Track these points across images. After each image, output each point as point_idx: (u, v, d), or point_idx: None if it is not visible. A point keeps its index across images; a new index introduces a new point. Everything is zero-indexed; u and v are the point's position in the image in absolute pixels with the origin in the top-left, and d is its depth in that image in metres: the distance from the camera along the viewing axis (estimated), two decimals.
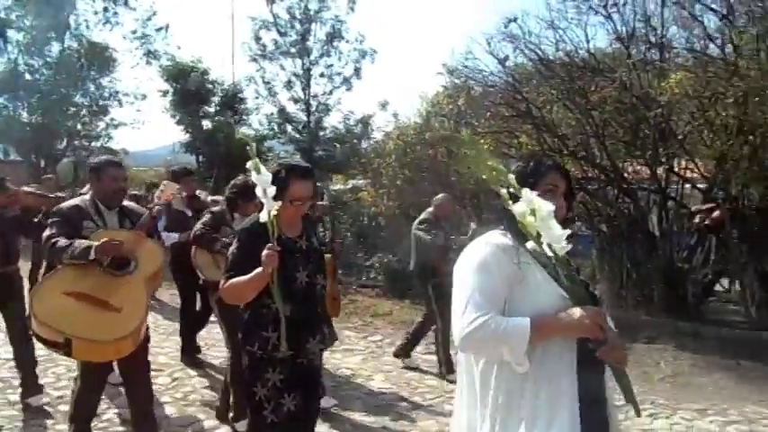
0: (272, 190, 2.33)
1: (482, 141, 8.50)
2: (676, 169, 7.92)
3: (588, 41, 8.00)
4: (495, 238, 1.84)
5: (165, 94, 16.46)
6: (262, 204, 2.39)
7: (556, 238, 1.65)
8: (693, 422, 4.53)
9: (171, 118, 16.43)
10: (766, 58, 6.57)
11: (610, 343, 1.71)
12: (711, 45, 7.42)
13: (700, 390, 5.37)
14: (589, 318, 1.68)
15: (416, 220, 5.72)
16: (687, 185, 8.07)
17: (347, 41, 16.06)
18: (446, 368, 5.42)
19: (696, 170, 7.90)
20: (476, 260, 1.80)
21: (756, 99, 6.44)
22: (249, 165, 2.34)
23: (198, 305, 5.59)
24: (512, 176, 1.70)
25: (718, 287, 8.36)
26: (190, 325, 5.60)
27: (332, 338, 2.87)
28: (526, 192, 1.66)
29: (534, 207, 1.64)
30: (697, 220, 7.05)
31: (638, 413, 1.78)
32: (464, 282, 1.79)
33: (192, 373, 5.28)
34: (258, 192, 2.35)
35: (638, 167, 8.28)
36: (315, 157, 14.97)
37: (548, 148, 8.29)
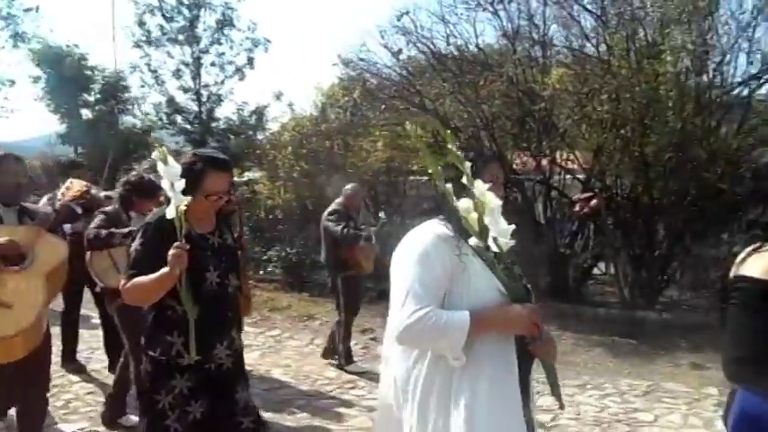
0: (180, 183, 2.15)
1: (377, 133, 8.62)
2: (559, 160, 8.41)
3: (477, 37, 8.30)
4: (436, 227, 1.80)
5: (36, 80, 15.19)
6: (161, 200, 2.24)
7: (503, 232, 1.66)
8: (574, 397, 4.86)
9: (45, 106, 15.21)
10: (635, 58, 7.12)
11: (542, 339, 1.74)
12: (588, 44, 7.93)
13: (580, 367, 5.76)
14: (527, 315, 1.70)
15: (326, 211, 5.63)
16: (568, 176, 8.60)
17: (239, 30, 15.57)
18: (345, 359, 5.46)
19: (576, 161, 8.44)
20: (417, 250, 1.75)
21: (627, 95, 6.97)
22: (155, 155, 2.16)
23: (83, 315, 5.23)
24: (468, 165, 1.68)
25: (596, 270, 9.01)
26: (73, 329, 5.24)
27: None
28: (479, 184, 1.65)
29: (484, 201, 1.64)
30: (577, 208, 7.54)
31: (561, 406, 1.83)
32: (404, 272, 1.74)
33: (74, 379, 4.96)
34: (164, 185, 2.17)
35: (525, 159, 8.71)
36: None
37: (441, 140, 8.52)
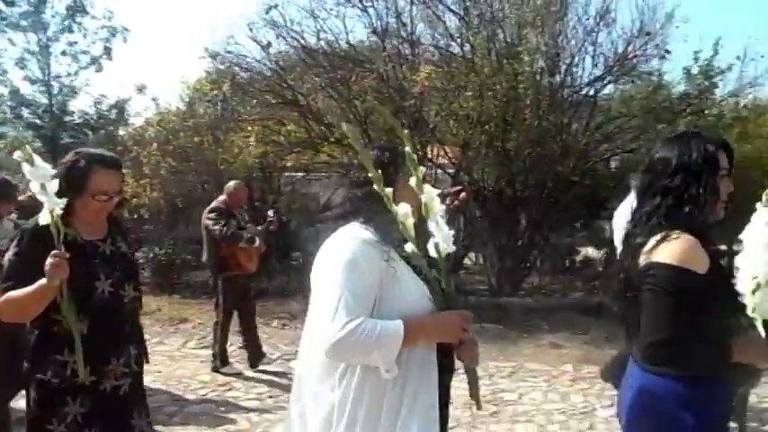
0: (53, 185, 1.94)
1: (249, 128, 8.42)
2: (430, 155, 8.71)
3: (347, 33, 8.35)
4: (359, 231, 1.70)
5: None
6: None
7: (446, 237, 1.62)
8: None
9: None
10: (496, 58, 7.54)
11: (467, 343, 1.74)
12: (453, 43, 8.27)
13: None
14: (460, 323, 1.69)
15: (207, 208, 5.38)
16: (439, 170, 8.93)
17: (93, 17, 14.45)
18: (220, 362, 5.28)
19: (446, 156, 8.78)
20: (344, 257, 1.64)
21: (490, 93, 7.36)
22: (17, 155, 1.93)
23: None
24: (422, 169, 1.62)
25: (466, 261, 9.45)
26: None
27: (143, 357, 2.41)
28: (429, 188, 1.61)
29: (431, 205, 1.60)
30: (448, 201, 7.84)
31: (479, 406, 1.84)
32: (332, 280, 1.63)
33: None
34: (34, 188, 1.95)
35: None
36: (61, 145, 13.26)
37: (315, 136, 8.52)
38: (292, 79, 8.21)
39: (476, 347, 1.78)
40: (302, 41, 8.19)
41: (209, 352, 5.51)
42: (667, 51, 7.70)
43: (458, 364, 1.85)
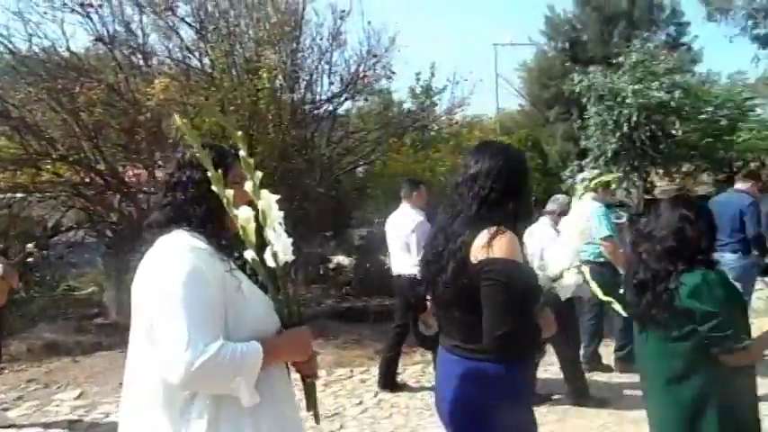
0: None
1: None
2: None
3: (68, 40, 7.52)
4: (190, 240, 1.52)
5: None
6: None
7: (286, 246, 1.53)
8: None
9: None
10: (236, 73, 7.50)
11: (310, 359, 1.70)
12: (191, 56, 8.01)
13: None
14: (308, 340, 1.64)
15: None
16: None
17: None
18: None
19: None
20: (183, 268, 1.45)
21: (232, 108, 7.28)
22: None
23: None
24: (259, 174, 1.53)
25: None
26: None
27: None
28: (267, 194, 1.50)
29: (269, 212, 1.50)
30: None
31: (317, 420, 1.78)
32: (173, 298, 1.42)
33: None
34: None
35: (139, 171, 8.31)
36: None
37: (34, 153, 7.52)
38: (1, 88, 7.13)
39: (316, 362, 1.75)
40: (10, 46, 7.16)
41: None
42: (393, 72, 8.47)
43: None
